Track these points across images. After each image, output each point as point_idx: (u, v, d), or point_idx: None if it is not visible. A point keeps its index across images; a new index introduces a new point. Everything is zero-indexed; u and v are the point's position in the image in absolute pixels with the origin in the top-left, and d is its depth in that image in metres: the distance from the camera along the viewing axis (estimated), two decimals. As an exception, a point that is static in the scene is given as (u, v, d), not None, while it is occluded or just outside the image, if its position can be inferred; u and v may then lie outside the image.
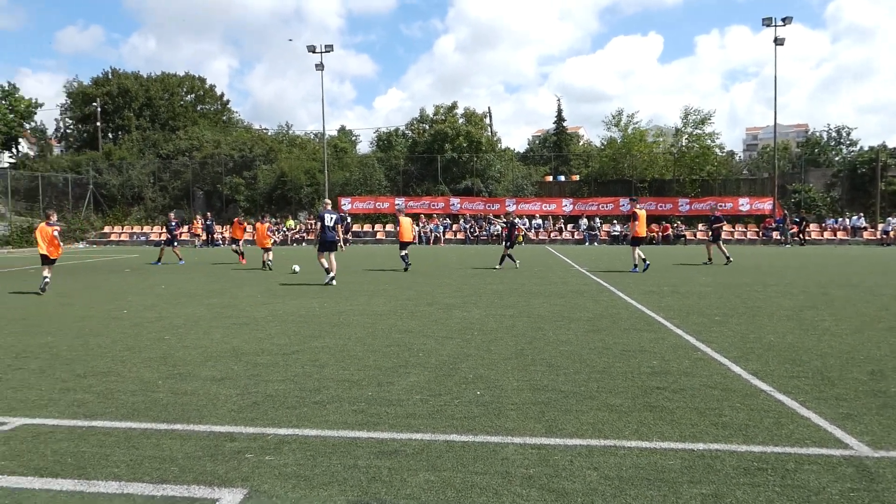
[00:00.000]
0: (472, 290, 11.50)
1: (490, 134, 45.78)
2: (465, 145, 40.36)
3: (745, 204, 37.60)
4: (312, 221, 37.13)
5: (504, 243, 17.40)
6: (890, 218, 35.76)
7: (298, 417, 4.21)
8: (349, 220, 36.22)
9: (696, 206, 37.94)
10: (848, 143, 54.00)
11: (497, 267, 16.73)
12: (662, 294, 10.81)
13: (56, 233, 12.16)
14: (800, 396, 4.63)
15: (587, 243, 35.27)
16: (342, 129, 57.91)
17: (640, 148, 41.40)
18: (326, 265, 12.71)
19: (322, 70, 37.96)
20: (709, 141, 41.32)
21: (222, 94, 57.94)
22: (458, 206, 38.54)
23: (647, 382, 5.05)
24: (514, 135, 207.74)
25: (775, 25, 35.68)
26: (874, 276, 14.47)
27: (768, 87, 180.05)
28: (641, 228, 15.90)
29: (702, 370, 5.46)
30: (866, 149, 43.68)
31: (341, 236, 12.97)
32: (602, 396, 4.67)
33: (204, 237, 33.54)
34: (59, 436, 3.91)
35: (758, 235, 35.82)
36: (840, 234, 35.57)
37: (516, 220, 17.91)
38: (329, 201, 13.92)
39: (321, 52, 37.53)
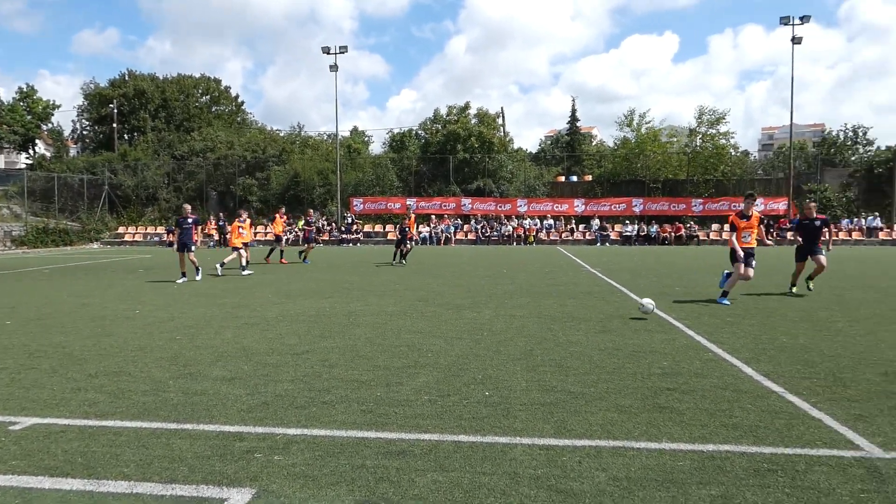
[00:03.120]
0: (483, 291, 11.49)
1: (502, 134, 45.73)
2: (477, 146, 40.36)
3: (759, 204, 37.20)
4: (324, 221, 37.31)
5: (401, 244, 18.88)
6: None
7: (307, 417, 4.23)
8: (350, 220, 36.37)
9: (710, 207, 37.68)
10: (864, 142, 53.37)
11: (395, 263, 18.43)
12: (674, 295, 10.74)
13: (239, 228, 16.14)
14: (811, 398, 4.58)
15: (599, 244, 35.11)
16: (355, 130, 58.12)
17: (653, 148, 41.17)
18: (197, 264, 14.02)
19: (336, 71, 38.13)
20: (723, 141, 40.99)
21: (237, 96, 58.40)
22: (470, 206, 38.53)
23: (658, 383, 5.02)
24: (527, 135, 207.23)
25: (793, 24, 35.34)
26: (888, 277, 14.27)
27: (783, 87, 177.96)
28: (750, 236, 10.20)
29: (713, 371, 5.41)
30: (883, 148, 43.18)
31: (197, 238, 14.57)
32: (612, 397, 4.65)
33: (217, 237, 33.84)
34: (69, 435, 3.96)
35: (772, 236, 35.42)
36: (855, 235, 35.17)
37: (406, 226, 19.36)
38: (189, 206, 14.77)
39: (335, 54, 37.72)
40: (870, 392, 4.73)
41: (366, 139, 58.30)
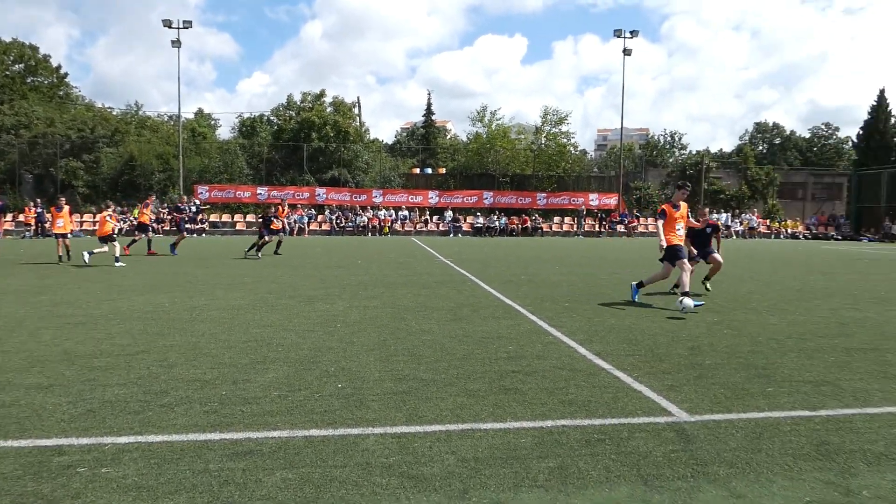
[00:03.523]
0: (337, 282, 11.34)
1: (358, 124, 45.32)
2: (332, 135, 39.62)
3: (594, 199, 40.68)
4: (166, 210, 34.44)
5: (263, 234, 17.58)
6: (714, 214, 40.57)
7: (142, 423, 3.90)
8: (196, 209, 33.98)
9: (553, 201, 40.42)
10: (680, 146, 60.48)
11: (257, 256, 16.96)
12: (520, 283, 11.40)
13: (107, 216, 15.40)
14: (634, 372, 5.12)
15: (452, 235, 36.19)
16: (200, 113, 54.34)
17: (503, 144, 43.22)
18: None
19: (179, 47, 35.32)
20: (564, 140, 44.18)
21: (59, 67, 51.72)
22: (324, 196, 37.78)
23: (504, 367, 5.30)
24: (383, 126, 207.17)
25: (624, 37, 38.97)
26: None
27: (615, 93, 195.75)
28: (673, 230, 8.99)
29: (552, 353, 5.84)
30: (693, 152, 49.40)
31: None
32: (461, 382, 4.83)
33: (35, 227, 29.84)
34: None
35: (604, 228, 38.91)
36: (673, 227, 39.67)
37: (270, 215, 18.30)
38: None
39: (178, 28, 34.90)
40: (679, 365, 5.40)
41: (213, 123, 54.83)
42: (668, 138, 61.98)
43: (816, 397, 4.52)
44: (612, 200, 40.50)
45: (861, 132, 44.85)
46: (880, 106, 43.21)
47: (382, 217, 36.54)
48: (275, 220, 18.05)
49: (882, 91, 43.52)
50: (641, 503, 2.89)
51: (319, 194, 37.63)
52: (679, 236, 9.01)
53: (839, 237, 39.70)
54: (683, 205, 9.25)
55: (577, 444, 3.58)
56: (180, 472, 3.20)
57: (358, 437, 3.70)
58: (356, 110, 45.25)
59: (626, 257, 18.67)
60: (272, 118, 45.93)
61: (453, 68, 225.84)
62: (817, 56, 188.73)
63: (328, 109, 41.57)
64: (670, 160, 54.07)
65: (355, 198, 37.96)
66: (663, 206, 9.19)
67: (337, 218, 36.17)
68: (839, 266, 16.57)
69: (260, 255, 17.21)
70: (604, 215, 39.54)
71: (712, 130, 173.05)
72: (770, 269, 15.21)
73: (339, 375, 5.02)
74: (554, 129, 43.74)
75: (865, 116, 44.17)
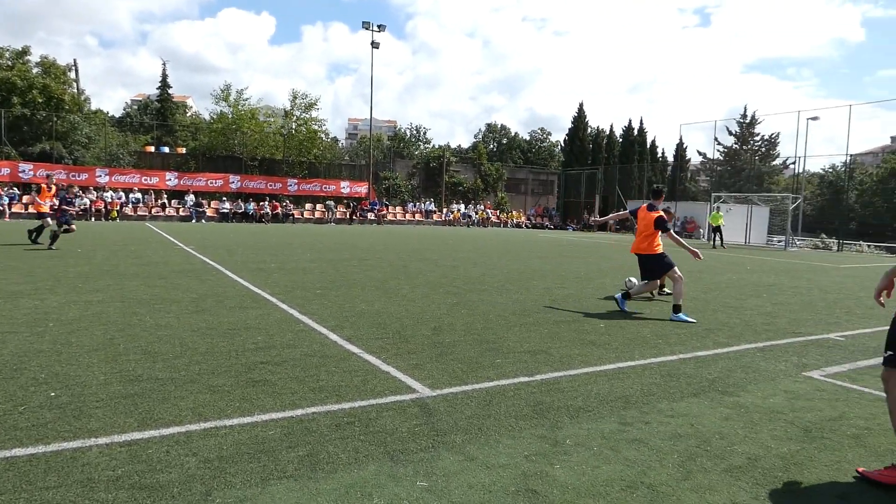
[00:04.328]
0: (49, 274, 9.63)
1: (76, 91, 38.85)
2: (41, 101, 33.33)
3: (346, 187, 41.33)
4: None
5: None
6: (454, 205, 44.53)
7: None
8: None
9: (304, 187, 39.96)
10: (424, 140, 64.64)
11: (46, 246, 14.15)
12: (269, 271, 11.05)
13: None
14: (382, 354, 5.37)
15: (194, 220, 33.46)
16: None
17: (250, 125, 41.12)
18: None
19: None
20: (315, 126, 43.79)
21: None
22: (31, 173, 31.74)
23: (252, 358, 5.10)
24: (109, 96, 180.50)
25: (372, 30, 40.05)
26: (438, 250, 17.73)
27: (364, 84, 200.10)
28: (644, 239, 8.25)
29: (303, 341, 5.79)
30: (436, 147, 53.26)
31: None
32: (204, 379, 4.51)
33: None
34: None
35: (355, 216, 39.80)
36: (418, 216, 42.51)
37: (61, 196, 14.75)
38: None
39: None
40: (424, 344, 5.81)
41: None
42: (414, 132, 65.74)
43: (534, 364, 5.27)
44: (362, 189, 41.53)
45: (567, 138, 53.09)
46: (580, 117, 51.64)
47: (109, 199, 32.04)
48: (38, 203, 14.92)
49: (581, 104, 52.13)
50: (388, 478, 3.06)
51: (24, 171, 31.44)
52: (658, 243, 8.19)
53: (551, 226, 46.65)
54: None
55: (327, 430, 3.63)
56: None
57: (77, 450, 3.23)
58: (72, 75, 38.73)
59: (376, 244, 19.33)
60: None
61: (193, 39, 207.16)
62: (534, 69, 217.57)
63: (35, 70, 34.83)
64: (416, 152, 57.40)
65: (73, 176, 32.57)
66: (663, 215, 8.16)
67: (47, 199, 30.62)
68: (551, 251, 19.47)
69: (48, 244, 14.14)
70: (355, 203, 40.32)
71: (451, 127, 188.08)
72: (498, 254, 17.20)
73: (51, 382, 4.29)
74: (304, 115, 43.07)
75: (570, 125, 52.39)
